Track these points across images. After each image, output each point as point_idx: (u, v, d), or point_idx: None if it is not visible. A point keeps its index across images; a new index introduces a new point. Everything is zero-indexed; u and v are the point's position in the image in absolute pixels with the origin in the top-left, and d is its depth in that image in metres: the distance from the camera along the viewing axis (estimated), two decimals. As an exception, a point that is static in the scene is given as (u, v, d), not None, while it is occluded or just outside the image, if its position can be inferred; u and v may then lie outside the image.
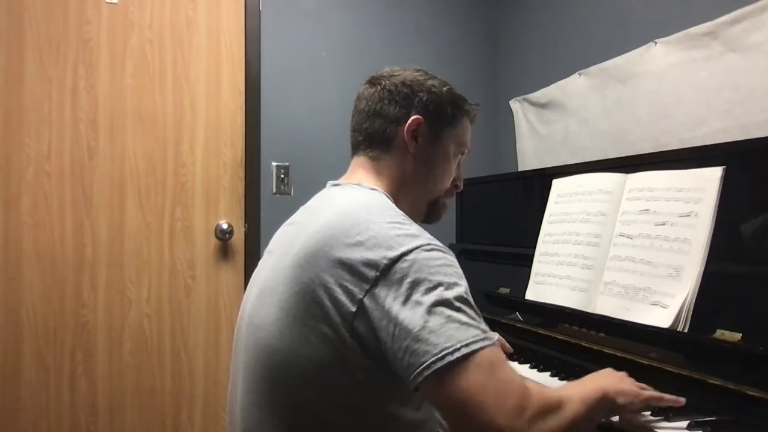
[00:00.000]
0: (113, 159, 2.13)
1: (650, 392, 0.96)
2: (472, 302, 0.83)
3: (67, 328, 2.07)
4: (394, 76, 1.05)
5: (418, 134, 1.03)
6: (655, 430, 0.94)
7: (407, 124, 1.02)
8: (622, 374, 1.00)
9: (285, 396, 0.88)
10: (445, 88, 1.06)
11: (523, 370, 1.31)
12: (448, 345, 0.76)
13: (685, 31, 1.67)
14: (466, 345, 0.76)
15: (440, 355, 0.76)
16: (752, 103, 1.48)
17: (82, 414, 2.07)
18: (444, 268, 0.83)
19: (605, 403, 0.89)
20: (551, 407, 0.79)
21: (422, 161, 1.04)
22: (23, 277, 2.03)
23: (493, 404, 0.75)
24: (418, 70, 1.07)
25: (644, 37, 1.81)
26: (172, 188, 2.19)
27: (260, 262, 1.06)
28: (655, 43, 1.77)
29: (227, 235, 2.22)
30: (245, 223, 2.27)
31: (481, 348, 0.77)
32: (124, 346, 2.12)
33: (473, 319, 0.81)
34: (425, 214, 1.09)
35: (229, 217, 2.25)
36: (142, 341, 2.14)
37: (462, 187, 1.14)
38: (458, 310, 0.80)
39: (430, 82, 1.05)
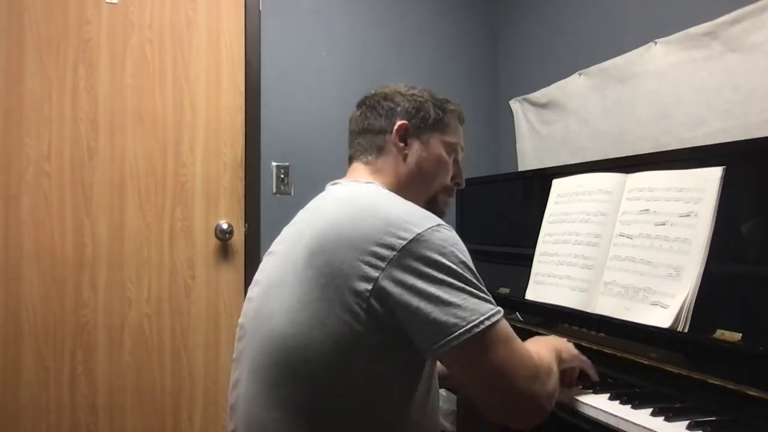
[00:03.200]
0: (113, 159, 2.13)
1: (585, 358, 1.13)
2: (478, 276, 0.91)
3: (67, 328, 2.07)
4: (377, 94, 1.13)
5: (407, 138, 1.09)
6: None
7: (395, 129, 1.08)
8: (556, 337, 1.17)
9: (296, 380, 0.90)
10: (425, 94, 1.13)
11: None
12: (473, 318, 0.84)
13: (685, 31, 1.67)
14: (488, 318, 0.85)
15: (467, 327, 0.84)
16: (752, 103, 1.48)
17: (82, 414, 2.07)
18: (457, 245, 0.90)
19: (559, 359, 1.02)
20: (548, 371, 0.92)
21: (414, 163, 1.10)
22: (23, 277, 2.03)
23: (515, 372, 0.86)
24: (399, 84, 1.15)
25: (644, 37, 1.81)
26: (172, 188, 2.19)
27: (261, 264, 1.08)
28: (655, 43, 1.77)
29: (227, 235, 2.22)
30: (245, 223, 2.27)
31: (498, 320, 0.87)
32: (124, 346, 2.12)
33: (486, 293, 0.89)
34: None
35: (229, 217, 2.25)
36: (142, 341, 2.14)
37: (463, 185, 1.19)
38: (474, 286, 0.88)
39: (411, 91, 1.13)
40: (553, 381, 0.92)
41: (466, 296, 0.86)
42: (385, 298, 0.86)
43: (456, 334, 0.83)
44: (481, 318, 0.84)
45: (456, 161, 1.16)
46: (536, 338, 1.14)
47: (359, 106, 1.15)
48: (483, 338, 0.84)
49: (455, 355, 0.85)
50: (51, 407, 2.04)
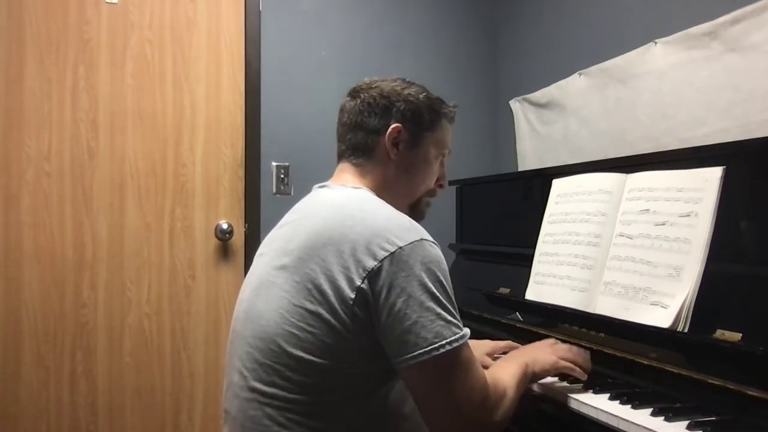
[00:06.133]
0: (113, 159, 2.13)
1: (564, 363, 1.11)
2: (453, 297, 0.92)
3: (67, 328, 2.07)
4: (373, 88, 1.11)
5: (399, 141, 1.08)
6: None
7: (387, 132, 1.07)
8: (546, 343, 1.17)
9: (286, 378, 0.91)
10: (422, 95, 1.11)
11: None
12: (435, 341, 0.86)
13: (685, 31, 1.66)
14: (450, 342, 0.87)
15: (427, 349, 0.86)
16: (752, 103, 1.48)
17: (82, 414, 2.07)
18: (436, 263, 0.91)
19: (527, 375, 1.04)
20: (501, 396, 0.94)
21: (403, 167, 1.09)
22: (23, 277, 2.03)
23: (465, 399, 0.89)
24: (396, 80, 1.12)
25: (644, 37, 1.81)
26: (172, 188, 2.19)
27: (252, 266, 1.09)
28: (655, 43, 1.77)
29: (227, 235, 2.22)
30: (245, 223, 2.27)
31: (459, 346, 0.88)
32: (124, 346, 2.12)
33: (455, 317, 0.91)
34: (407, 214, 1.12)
35: (229, 217, 2.25)
36: (142, 341, 2.14)
37: (446, 186, 1.21)
38: (445, 308, 0.89)
39: (407, 91, 1.10)
40: (503, 410, 0.94)
41: (433, 317, 0.87)
42: (366, 306, 0.88)
43: (415, 353, 0.86)
44: (443, 342, 0.86)
45: (442, 163, 1.16)
46: (515, 352, 1.15)
47: (353, 96, 1.12)
48: (440, 361, 0.86)
49: (411, 372, 0.88)
50: (51, 407, 2.04)
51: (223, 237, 2.22)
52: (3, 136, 2.02)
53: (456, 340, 0.88)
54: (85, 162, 2.10)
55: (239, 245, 2.26)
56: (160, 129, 2.18)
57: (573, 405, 1.07)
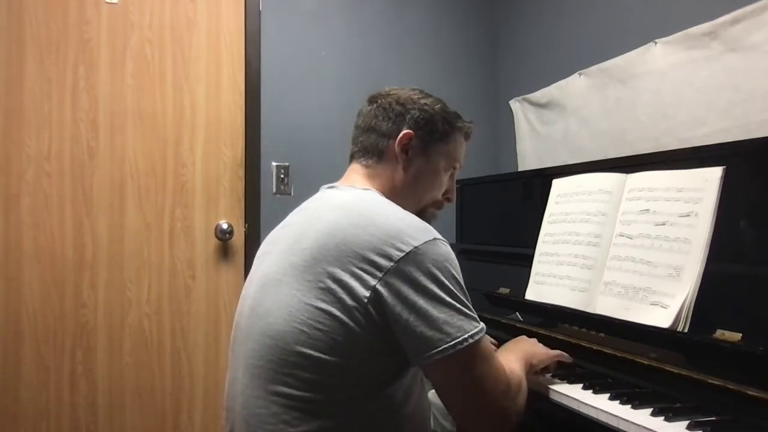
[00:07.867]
0: (113, 159, 2.13)
1: (556, 351, 1.19)
2: (467, 292, 0.95)
3: (67, 328, 2.07)
4: (390, 95, 1.13)
5: (409, 148, 1.10)
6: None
7: (398, 137, 1.09)
8: (523, 338, 1.22)
9: (293, 376, 0.92)
10: (437, 106, 1.13)
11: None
12: (458, 335, 0.89)
13: (685, 31, 1.67)
14: (472, 336, 0.90)
15: (452, 343, 0.88)
16: (752, 103, 1.48)
17: (82, 414, 2.07)
18: (450, 260, 0.94)
19: (526, 367, 1.08)
20: (518, 387, 0.98)
21: (411, 173, 1.11)
22: (23, 277, 2.03)
23: (491, 389, 0.92)
24: (414, 90, 1.15)
25: (644, 37, 1.81)
26: (172, 188, 2.19)
27: (255, 265, 1.10)
28: (655, 43, 1.77)
29: (227, 235, 2.22)
30: (245, 223, 2.27)
31: (481, 338, 0.91)
32: (124, 346, 2.12)
33: (472, 311, 0.93)
34: None
35: (229, 217, 2.25)
36: (142, 341, 2.14)
37: (453, 200, 1.23)
38: (463, 303, 0.92)
39: (423, 100, 1.12)
40: (522, 397, 0.98)
41: (453, 312, 0.90)
42: (382, 306, 0.89)
43: (440, 348, 0.88)
44: (465, 335, 0.89)
45: (451, 176, 1.18)
46: (508, 346, 1.17)
47: (371, 101, 1.15)
48: (464, 354, 0.89)
49: (437, 367, 0.91)
50: (51, 407, 2.04)
51: (223, 237, 2.22)
52: (3, 136, 2.02)
53: (477, 333, 0.90)
54: (85, 162, 2.10)
55: (239, 245, 2.26)
56: (160, 129, 2.18)
57: (573, 405, 1.07)
